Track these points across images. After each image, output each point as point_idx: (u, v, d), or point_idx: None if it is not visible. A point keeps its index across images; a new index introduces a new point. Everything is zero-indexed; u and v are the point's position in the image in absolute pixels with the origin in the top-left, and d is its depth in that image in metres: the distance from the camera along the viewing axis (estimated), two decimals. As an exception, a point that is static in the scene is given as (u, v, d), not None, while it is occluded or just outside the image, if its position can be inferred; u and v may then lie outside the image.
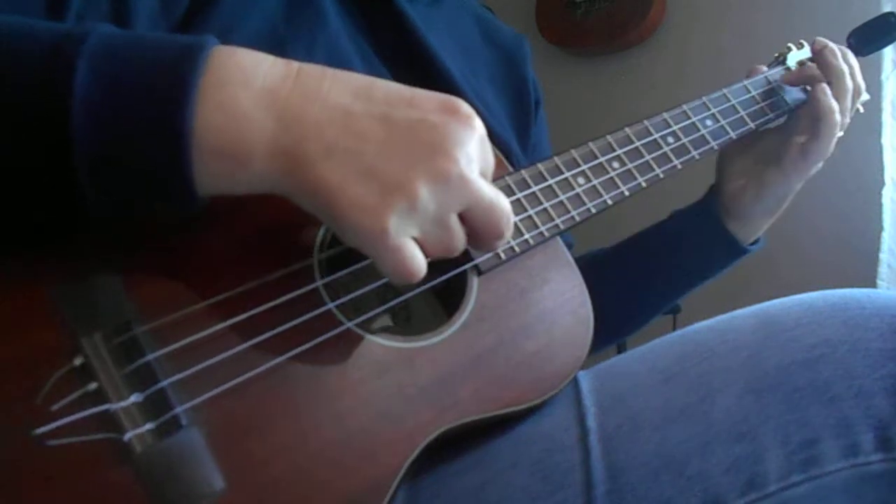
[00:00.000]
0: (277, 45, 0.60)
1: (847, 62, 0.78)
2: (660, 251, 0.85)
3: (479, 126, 0.45)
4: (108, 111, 0.39)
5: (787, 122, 0.79)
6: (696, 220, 0.83)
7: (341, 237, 0.44)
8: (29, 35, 0.40)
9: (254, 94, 0.41)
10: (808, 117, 0.76)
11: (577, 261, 0.87)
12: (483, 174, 0.46)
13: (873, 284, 1.45)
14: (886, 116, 1.46)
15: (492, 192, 0.45)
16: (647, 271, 0.86)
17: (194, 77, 0.39)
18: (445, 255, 0.46)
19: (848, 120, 0.77)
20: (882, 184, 1.46)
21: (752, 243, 0.82)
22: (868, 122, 1.43)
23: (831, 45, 0.78)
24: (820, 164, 0.77)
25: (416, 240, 0.44)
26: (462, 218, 0.46)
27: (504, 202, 0.46)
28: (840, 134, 0.76)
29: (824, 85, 0.75)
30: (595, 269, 0.86)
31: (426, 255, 0.45)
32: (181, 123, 0.39)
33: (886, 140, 1.46)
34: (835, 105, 0.74)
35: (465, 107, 0.45)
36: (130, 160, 0.40)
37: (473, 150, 0.44)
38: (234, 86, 0.41)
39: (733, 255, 0.81)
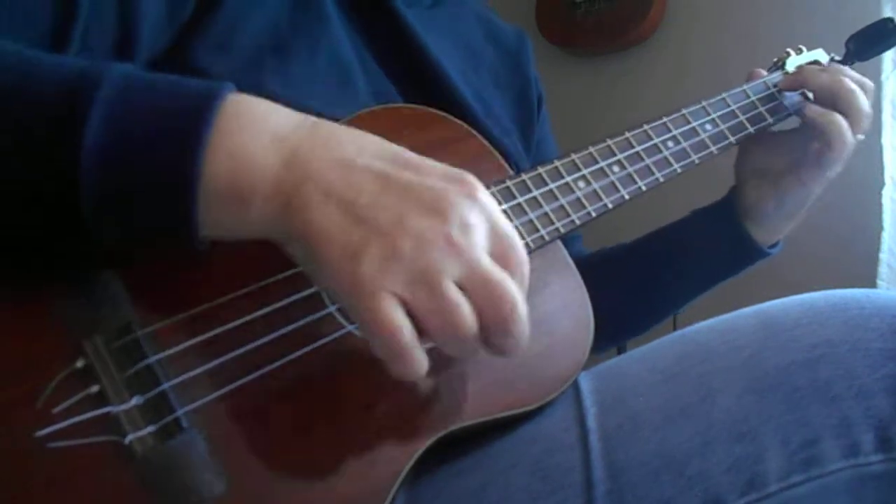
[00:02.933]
0: (280, 48, 0.60)
1: (845, 75, 0.75)
2: (679, 248, 0.84)
3: (484, 198, 0.43)
4: (117, 159, 0.39)
5: (801, 129, 0.77)
6: (717, 221, 0.82)
7: (319, 283, 0.43)
8: (43, 74, 0.40)
9: (264, 139, 0.41)
10: (815, 128, 0.74)
11: (592, 256, 0.87)
12: (497, 254, 0.43)
13: (873, 284, 1.44)
14: (886, 116, 1.46)
15: (490, 268, 0.42)
16: (665, 268, 0.85)
17: (206, 129, 0.40)
18: (449, 330, 0.41)
19: (862, 117, 0.75)
20: (882, 184, 1.46)
21: (772, 246, 0.82)
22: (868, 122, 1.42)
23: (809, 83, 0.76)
24: (839, 169, 0.77)
25: (407, 306, 0.41)
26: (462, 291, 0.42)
27: (507, 283, 0.42)
28: (861, 137, 0.75)
29: (811, 105, 0.74)
30: (612, 264, 0.85)
31: (430, 332, 0.41)
32: (189, 175, 0.39)
33: (886, 140, 1.46)
34: (832, 115, 0.73)
35: (472, 178, 0.44)
36: (136, 206, 0.40)
37: (473, 219, 0.42)
38: (245, 134, 0.41)
39: (752, 257, 0.81)
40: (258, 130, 0.42)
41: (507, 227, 0.44)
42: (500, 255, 0.43)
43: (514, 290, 0.42)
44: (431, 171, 0.43)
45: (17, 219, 0.41)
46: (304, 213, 0.41)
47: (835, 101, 0.73)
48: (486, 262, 0.42)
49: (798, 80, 0.78)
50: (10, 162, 0.39)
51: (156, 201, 0.40)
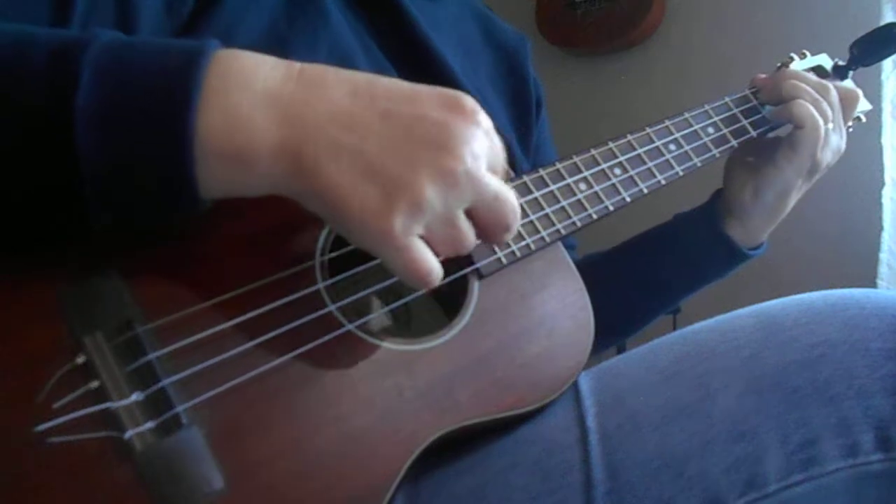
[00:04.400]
0: (280, 44, 0.60)
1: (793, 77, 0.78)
2: (659, 253, 0.85)
3: (483, 120, 0.45)
4: (111, 121, 0.39)
5: (774, 119, 0.79)
6: (696, 223, 0.82)
7: (349, 239, 0.44)
8: (31, 45, 0.40)
9: (256, 97, 0.41)
10: (786, 116, 0.76)
11: (578, 263, 0.87)
12: (491, 167, 0.46)
13: (873, 284, 1.45)
14: (886, 116, 1.46)
15: (497, 186, 0.45)
16: (646, 273, 0.86)
17: (196, 83, 0.40)
18: (455, 253, 0.46)
19: (827, 109, 0.76)
20: (882, 184, 1.46)
21: (756, 249, 0.82)
22: (868, 122, 1.42)
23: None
24: (819, 160, 0.76)
25: (424, 239, 0.44)
26: (468, 213, 0.45)
27: (510, 194, 0.46)
28: (826, 126, 0.75)
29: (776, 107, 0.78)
30: (595, 270, 0.86)
31: (436, 253, 0.45)
32: (184, 130, 0.39)
33: (886, 140, 1.46)
34: (795, 100, 0.75)
35: (469, 101, 0.45)
36: (134, 167, 0.40)
37: (479, 146, 0.44)
38: (237, 90, 0.41)
39: (731, 257, 0.80)
40: (249, 87, 0.41)
41: (497, 139, 0.47)
42: (494, 162, 0.46)
43: (512, 196, 0.47)
44: (429, 100, 0.44)
45: (17, 198, 0.40)
46: (317, 174, 0.41)
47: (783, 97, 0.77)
48: (493, 182, 0.45)
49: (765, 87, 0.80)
50: (5, 136, 0.39)
51: (152, 161, 0.40)
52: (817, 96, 0.76)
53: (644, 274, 0.86)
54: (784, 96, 0.76)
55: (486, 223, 0.46)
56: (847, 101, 0.79)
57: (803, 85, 0.76)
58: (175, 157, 0.40)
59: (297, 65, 0.44)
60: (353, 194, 0.41)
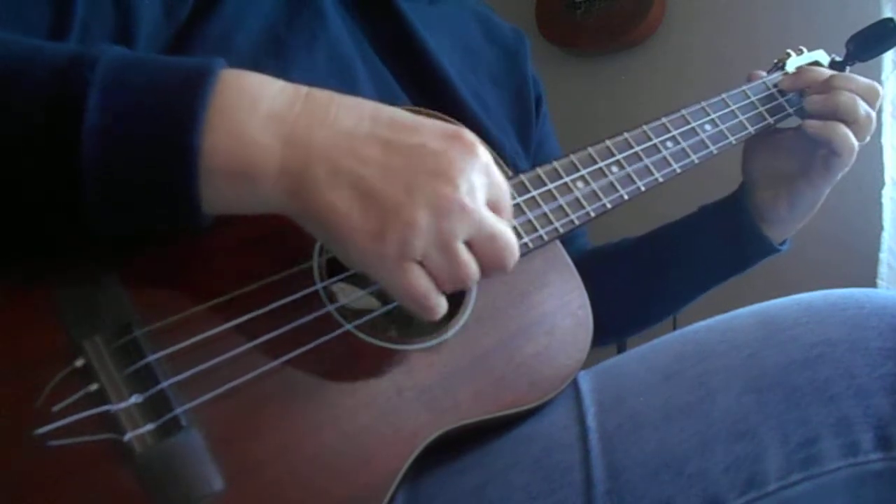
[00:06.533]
0: (278, 46, 0.60)
1: (847, 87, 0.74)
2: (688, 243, 0.84)
3: (482, 154, 0.46)
4: (117, 139, 0.40)
5: (808, 134, 0.76)
6: (730, 217, 0.81)
7: (345, 262, 0.45)
8: (37, 60, 0.40)
9: (261, 118, 0.42)
10: (820, 139, 0.74)
11: (597, 251, 0.87)
12: (491, 203, 0.47)
13: (873, 284, 1.44)
14: (886, 116, 1.46)
15: (495, 223, 0.46)
16: (672, 261, 0.85)
17: (202, 102, 0.40)
18: (459, 285, 0.46)
19: (868, 125, 0.74)
20: (882, 184, 1.46)
21: (781, 243, 0.82)
22: (868, 122, 1.42)
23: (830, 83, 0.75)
24: (847, 169, 0.76)
25: (425, 269, 0.45)
26: (468, 247, 0.46)
27: (508, 234, 0.47)
28: (865, 140, 0.74)
29: (809, 121, 0.74)
30: (618, 258, 0.85)
31: (439, 286, 0.45)
32: (189, 148, 0.40)
33: (886, 140, 1.46)
34: (834, 126, 0.72)
35: (469, 134, 0.46)
36: (139, 185, 0.41)
37: (476, 178, 0.45)
38: (242, 111, 0.42)
39: (762, 253, 0.80)
40: (254, 107, 0.42)
41: (500, 176, 0.48)
42: (494, 202, 0.47)
43: (512, 238, 0.47)
44: (430, 132, 0.45)
45: (20, 207, 0.41)
46: (316, 197, 0.42)
47: (836, 112, 0.73)
48: (490, 219, 0.46)
49: (798, 82, 0.78)
50: (10, 150, 0.39)
51: (156, 177, 0.41)
52: (870, 111, 0.73)
53: (667, 264, 0.85)
54: (839, 115, 0.72)
55: (482, 259, 0.47)
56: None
57: (861, 106, 0.73)
58: (179, 175, 0.40)
59: (304, 88, 0.44)
60: (348, 217, 0.42)
